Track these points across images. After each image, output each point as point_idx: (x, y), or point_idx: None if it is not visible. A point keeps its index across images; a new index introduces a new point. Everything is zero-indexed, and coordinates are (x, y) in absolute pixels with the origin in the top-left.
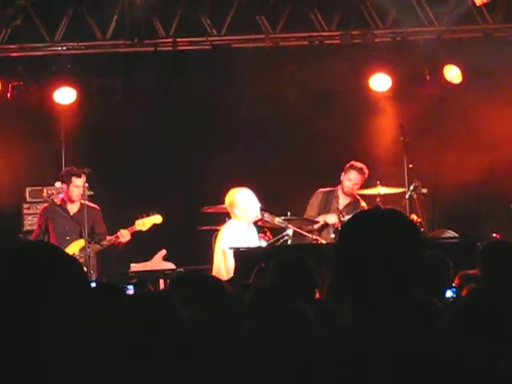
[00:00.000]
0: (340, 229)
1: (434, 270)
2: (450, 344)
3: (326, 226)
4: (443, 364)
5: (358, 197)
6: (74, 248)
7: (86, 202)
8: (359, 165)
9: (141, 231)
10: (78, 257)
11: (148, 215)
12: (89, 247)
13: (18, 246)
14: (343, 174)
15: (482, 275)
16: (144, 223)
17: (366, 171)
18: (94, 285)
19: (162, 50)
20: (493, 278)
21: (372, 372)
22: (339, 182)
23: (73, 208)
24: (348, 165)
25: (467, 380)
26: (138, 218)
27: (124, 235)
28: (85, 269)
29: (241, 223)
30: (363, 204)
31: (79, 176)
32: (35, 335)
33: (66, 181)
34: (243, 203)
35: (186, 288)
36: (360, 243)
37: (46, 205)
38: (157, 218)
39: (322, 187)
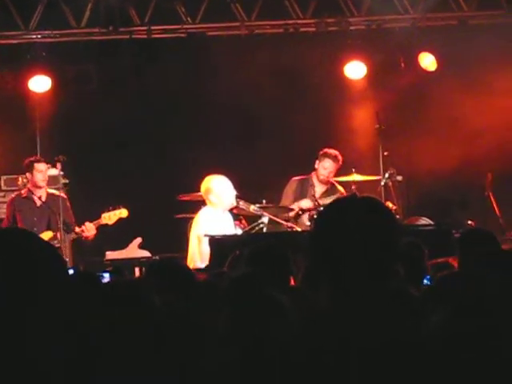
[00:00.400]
0: (316, 216)
1: (410, 257)
2: (432, 332)
3: (301, 212)
4: (427, 353)
5: (335, 183)
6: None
7: (52, 191)
8: (333, 152)
9: (107, 225)
10: None
11: (114, 209)
12: (57, 237)
13: None
14: (317, 161)
15: (461, 263)
16: (110, 217)
17: (340, 158)
18: (71, 272)
19: (136, 37)
20: (471, 265)
21: (355, 360)
22: (313, 169)
23: (38, 199)
24: (322, 152)
25: (451, 369)
26: (104, 212)
27: (89, 229)
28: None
29: (216, 210)
30: (340, 188)
31: (40, 161)
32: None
33: (29, 169)
34: (219, 190)
35: (159, 276)
36: (336, 230)
37: (12, 196)
38: (123, 212)
39: (296, 175)
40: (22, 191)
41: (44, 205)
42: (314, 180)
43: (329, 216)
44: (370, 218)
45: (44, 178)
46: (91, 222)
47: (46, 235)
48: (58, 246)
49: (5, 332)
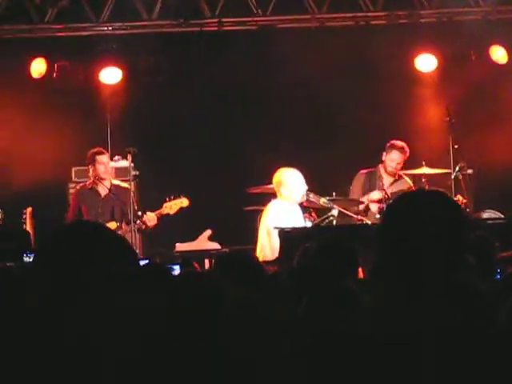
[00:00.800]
0: (385, 209)
1: (482, 251)
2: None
3: (371, 205)
4: (497, 344)
5: (403, 175)
6: None
7: (117, 182)
8: (400, 143)
9: (168, 214)
10: None
11: (175, 198)
12: (121, 228)
13: (62, 227)
14: (384, 153)
15: None
16: (171, 206)
17: (407, 149)
18: (145, 263)
19: (207, 29)
20: None
21: (428, 352)
22: (380, 162)
23: (103, 190)
24: (388, 144)
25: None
26: (165, 201)
27: (150, 219)
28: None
29: (286, 203)
30: (408, 180)
31: (102, 153)
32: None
33: (92, 161)
34: (290, 183)
35: (228, 268)
36: (404, 223)
37: (77, 188)
38: (184, 201)
39: (364, 169)
40: (87, 182)
41: (108, 196)
42: (382, 172)
43: (397, 209)
44: (438, 211)
45: (106, 169)
46: (152, 211)
47: (110, 226)
48: (123, 234)
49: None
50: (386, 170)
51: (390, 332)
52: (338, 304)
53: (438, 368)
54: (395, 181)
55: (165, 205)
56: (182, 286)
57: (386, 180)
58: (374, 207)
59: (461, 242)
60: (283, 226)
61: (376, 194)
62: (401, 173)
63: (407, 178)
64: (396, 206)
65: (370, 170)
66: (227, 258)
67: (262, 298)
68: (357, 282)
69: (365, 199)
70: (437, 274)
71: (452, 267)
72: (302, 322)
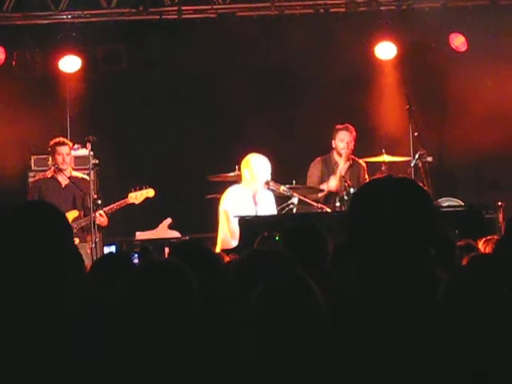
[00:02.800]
0: (352, 196)
1: (442, 238)
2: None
3: (330, 193)
4: (447, 334)
5: (355, 158)
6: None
7: (76, 173)
8: (342, 124)
9: (133, 204)
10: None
11: (141, 188)
12: (81, 217)
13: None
14: (333, 140)
15: (504, 243)
16: (137, 196)
17: (352, 127)
18: (113, 248)
19: (167, 18)
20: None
21: (383, 343)
22: (331, 149)
23: (64, 179)
24: (333, 129)
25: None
26: (131, 191)
27: (102, 221)
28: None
29: (242, 189)
30: (362, 163)
31: (62, 144)
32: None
33: (52, 151)
34: (255, 167)
35: (182, 258)
36: (371, 211)
37: (36, 178)
38: (149, 192)
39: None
40: (47, 172)
41: (69, 185)
42: (336, 158)
43: (364, 197)
44: (406, 200)
45: (63, 161)
46: (118, 201)
47: (72, 214)
48: (83, 224)
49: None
50: (339, 154)
51: (351, 322)
52: (293, 295)
53: (399, 356)
54: (350, 166)
55: (130, 195)
56: (149, 276)
57: (342, 166)
58: (331, 184)
59: (426, 230)
60: (237, 211)
61: (333, 181)
62: (354, 157)
63: (361, 161)
64: (363, 191)
65: (325, 156)
66: (182, 247)
67: (217, 289)
68: (322, 271)
69: (324, 187)
70: (403, 263)
71: (412, 256)
72: (259, 314)
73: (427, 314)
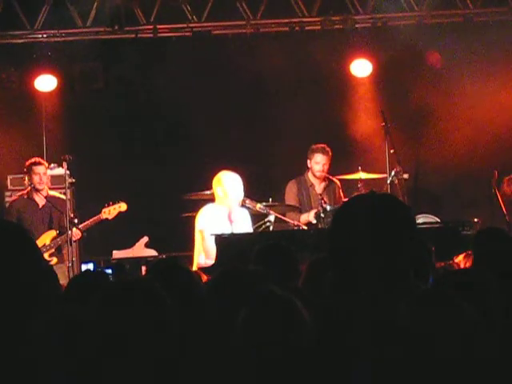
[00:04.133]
0: (335, 212)
1: (417, 255)
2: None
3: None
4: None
5: (330, 177)
6: (45, 239)
7: (53, 193)
8: (319, 145)
9: (107, 219)
10: (48, 247)
11: (114, 203)
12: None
13: None
14: (308, 160)
15: (476, 260)
16: (110, 211)
17: (328, 149)
18: (91, 266)
19: (142, 36)
20: (485, 262)
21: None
22: (307, 169)
23: (41, 199)
24: (310, 149)
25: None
26: (104, 207)
27: (75, 234)
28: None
29: (219, 207)
30: (336, 181)
31: (38, 164)
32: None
33: (28, 171)
34: (226, 184)
35: (159, 276)
36: (353, 228)
37: (14, 198)
38: (122, 206)
39: (299, 176)
40: (24, 192)
41: (46, 206)
42: (311, 179)
43: (347, 212)
44: (388, 216)
45: (41, 180)
46: (91, 218)
47: (50, 234)
48: (59, 243)
49: None
50: (314, 176)
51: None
52: (279, 315)
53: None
54: (327, 186)
55: (103, 210)
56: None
57: (318, 187)
58: (311, 215)
59: (405, 249)
60: (210, 230)
61: (312, 215)
62: (327, 175)
63: (335, 180)
64: (346, 209)
65: (299, 177)
66: (159, 266)
67: (193, 308)
68: (295, 289)
69: (303, 219)
70: (381, 278)
71: (391, 273)
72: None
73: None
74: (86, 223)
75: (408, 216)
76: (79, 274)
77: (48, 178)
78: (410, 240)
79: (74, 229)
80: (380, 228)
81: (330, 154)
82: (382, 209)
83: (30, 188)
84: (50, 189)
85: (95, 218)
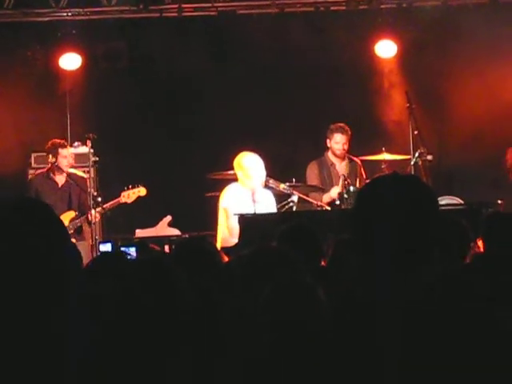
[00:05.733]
0: (357, 194)
1: (457, 235)
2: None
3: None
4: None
5: (351, 156)
6: (64, 219)
7: (73, 171)
8: (339, 125)
9: (126, 203)
10: (67, 228)
11: (133, 187)
12: (78, 217)
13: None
14: (327, 140)
15: (486, 244)
16: (129, 195)
17: (347, 128)
18: (109, 246)
19: (167, 15)
20: (496, 246)
21: (384, 338)
22: (326, 149)
23: (60, 179)
24: (329, 129)
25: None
26: (123, 191)
27: (93, 217)
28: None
29: (240, 188)
30: (357, 161)
31: (65, 146)
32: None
33: (53, 153)
34: (248, 168)
35: (185, 256)
36: (375, 210)
37: (32, 176)
38: (141, 191)
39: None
40: (44, 170)
41: (66, 185)
42: (332, 158)
43: (368, 192)
44: (412, 197)
45: (68, 163)
46: (111, 200)
47: (69, 215)
48: (78, 225)
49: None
50: (335, 155)
51: (353, 321)
52: (296, 299)
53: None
54: (347, 164)
55: (122, 194)
56: (136, 275)
57: (339, 166)
58: (334, 192)
59: (428, 229)
60: (233, 209)
61: (335, 191)
62: (348, 155)
63: (356, 159)
64: (368, 189)
65: (319, 158)
66: (186, 245)
67: (217, 287)
68: (318, 271)
69: (327, 197)
70: (404, 261)
71: (415, 256)
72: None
73: (427, 309)
74: (104, 206)
75: (431, 197)
76: (96, 257)
77: (72, 157)
78: (433, 221)
79: (93, 211)
80: (403, 209)
81: (350, 132)
82: (404, 189)
83: (50, 166)
84: (74, 167)
85: (114, 201)
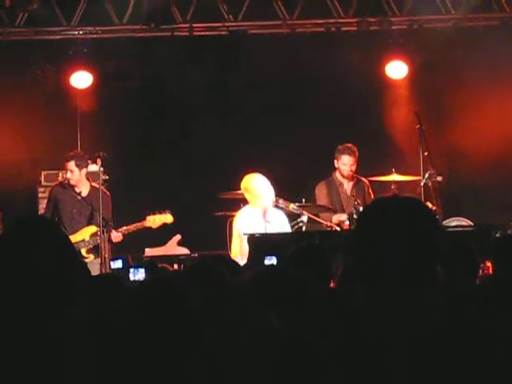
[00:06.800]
0: (357, 216)
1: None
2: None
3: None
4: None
5: (358, 176)
6: (84, 234)
7: (96, 185)
8: (346, 145)
9: (150, 228)
10: (87, 243)
11: (160, 213)
12: (102, 231)
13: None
14: (335, 161)
15: (495, 268)
16: (155, 220)
17: (355, 149)
18: (119, 263)
19: (178, 34)
20: (504, 271)
21: (385, 357)
22: (334, 169)
23: (82, 191)
24: (336, 150)
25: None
26: (149, 215)
27: (116, 237)
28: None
29: (251, 210)
30: (364, 180)
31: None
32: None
33: (83, 165)
34: (257, 189)
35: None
36: (376, 231)
37: (55, 183)
38: (168, 217)
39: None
40: (65, 181)
41: (86, 198)
42: (340, 178)
43: (370, 216)
44: (411, 219)
45: (72, 177)
46: (134, 223)
47: (90, 230)
48: (98, 242)
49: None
50: (342, 176)
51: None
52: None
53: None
54: (355, 184)
55: (148, 218)
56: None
57: (347, 185)
58: (344, 216)
59: (430, 251)
60: (245, 230)
61: (345, 215)
62: (355, 175)
63: (363, 179)
64: (369, 210)
65: (328, 179)
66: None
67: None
68: (328, 292)
69: (335, 220)
70: (396, 285)
71: (417, 278)
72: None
73: (431, 327)
74: (127, 227)
75: (431, 216)
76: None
77: (75, 173)
78: (435, 238)
79: (114, 232)
80: (405, 226)
81: (357, 153)
82: (405, 208)
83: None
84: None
85: (138, 224)
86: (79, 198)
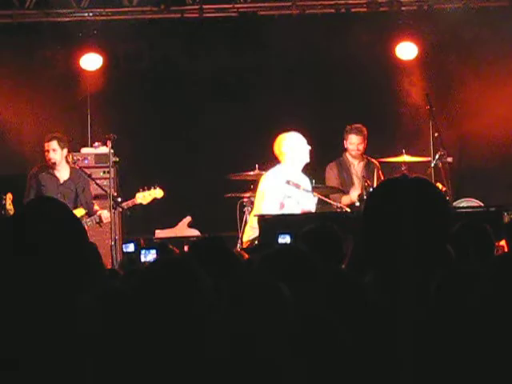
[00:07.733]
0: (366, 197)
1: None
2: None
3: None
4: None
5: (368, 157)
6: None
7: (76, 167)
8: (354, 126)
9: (141, 204)
10: None
11: (149, 188)
12: (115, 207)
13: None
14: (344, 141)
15: (510, 248)
16: (144, 196)
17: (363, 129)
18: (132, 247)
19: (188, 16)
20: None
21: (399, 342)
22: (344, 150)
23: (62, 174)
24: (345, 130)
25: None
26: (139, 191)
27: (106, 218)
28: None
29: (286, 171)
30: (375, 162)
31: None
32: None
33: (65, 145)
34: (292, 142)
35: (200, 255)
36: (385, 212)
37: (34, 169)
38: (158, 192)
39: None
40: (49, 161)
41: (68, 181)
42: (350, 159)
43: (379, 197)
44: (421, 200)
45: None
46: (125, 201)
47: (78, 212)
48: (89, 224)
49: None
50: (351, 156)
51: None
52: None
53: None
54: (365, 165)
55: (137, 195)
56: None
57: (358, 166)
58: (354, 195)
59: (440, 231)
60: (271, 191)
61: (355, 193)
62: (365, 156)
63: (374, 160)
64: (378, 191)
65: (338, 159)
66: (201, 245)
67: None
68: (340, 272)
69: (347, 199)
70: (407, 265)
71: (427, 258)
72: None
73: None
74: (120, 206)
75: (440, 199)
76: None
77: (58, 153)
78: (442, 223)
79: (105, 212)
80: (410, 211)
81: (365, 133)
82: (412, 192)
83: (53, 162)
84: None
85: (129, 201)
86: (61, 181)
